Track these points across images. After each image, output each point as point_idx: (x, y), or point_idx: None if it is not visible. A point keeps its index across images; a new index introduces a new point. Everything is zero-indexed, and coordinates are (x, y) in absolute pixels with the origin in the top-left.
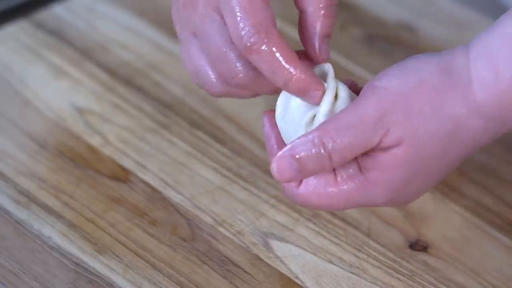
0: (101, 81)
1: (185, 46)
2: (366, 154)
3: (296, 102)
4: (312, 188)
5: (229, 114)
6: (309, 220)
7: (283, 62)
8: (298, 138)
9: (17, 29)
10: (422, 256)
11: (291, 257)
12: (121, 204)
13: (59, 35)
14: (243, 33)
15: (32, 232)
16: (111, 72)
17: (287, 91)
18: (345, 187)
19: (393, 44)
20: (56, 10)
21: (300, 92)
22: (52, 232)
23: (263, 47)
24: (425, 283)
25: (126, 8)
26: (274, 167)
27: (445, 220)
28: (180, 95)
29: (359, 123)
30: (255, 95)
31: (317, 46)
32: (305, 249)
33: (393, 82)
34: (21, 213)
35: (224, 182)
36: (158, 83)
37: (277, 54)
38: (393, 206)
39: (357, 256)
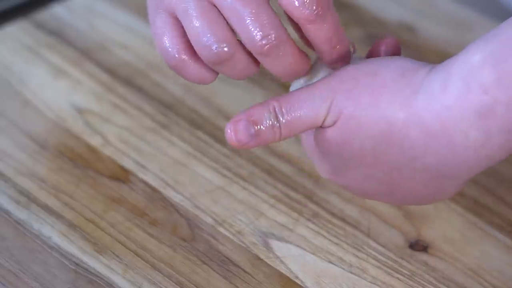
0: (101, 81)
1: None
2: (315, 129)
3: None
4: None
5: (229, 114)
6: (309, 220)
7: (295, 66)
8: (254, 105)
9: (17, 29)
10: (422, 256)
11: (291, 257)
12: (121, 204)
13: (59, 35)
14: (257, 36)
15: (32, 232)
16: (111, 72)
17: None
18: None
19: None
20: (56, 10)
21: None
22: (52, 232)
23: (279, 52)
24: (425, 283)
25: (126, 8)
26: (229, 130)
27: (445, 220)
28: (180, 95)
29: (307, 98)
30: (212, 77)
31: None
32: (305, 249)
33: (352, 67)
34: (21, 213)
35: (224, 182)
36: (158, 83)
37: (290, 58)
38: (353, 191)
39: (357, 256)
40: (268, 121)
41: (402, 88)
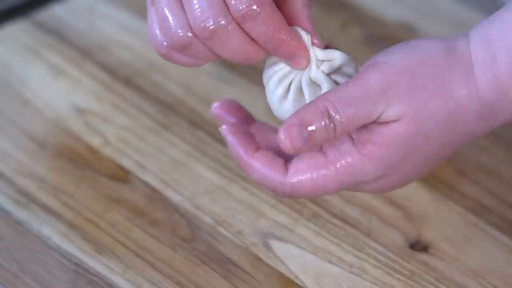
0: (101, 81)
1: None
2: (363, 127)
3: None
4: (302, 172)
5: None
6: (309, 220)
7: (275, 31)
8: (303, 107)
9: (17, 29)
10: (423, 256)
11: (291, 257)
12: (121, 204)
13: (59, 35)
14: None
15: (31, 232)
16: (111, 72)
17: (275, 55)
18: (338, 165)
19: (393, 44)
20: (56, 10)
21: (288, 57)
22: (51, 232)
23: (258, 17)
24: (426, 284)
25: (126, 8)
26: (283, 136)
27: (445, 220)
28: (180, 95)
29: (361, 95)
30: (197, 63)
31: (300, 9)
32: (305, 249)
33: (396, 57)
34: (20, 213)
35: (224, 182)
36: (158, 83)
37: (271, 23)
38: (381, 190)
39: (357, 256)
40: (322, 123)
41: (456, 64)
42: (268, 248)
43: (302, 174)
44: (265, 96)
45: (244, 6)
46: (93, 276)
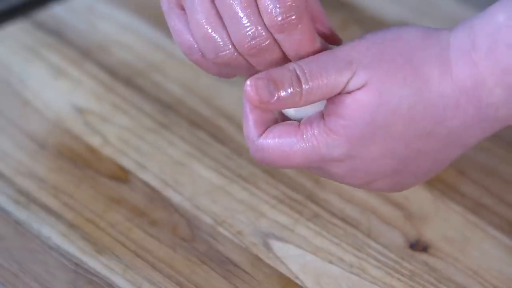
0: (101, 81)
1: (172, 19)
2: (331, 100)
3: None
4: (272, 137)
5: (229, 114)
6: (309, 220)
7: (309, 44)
8: (274, 68)
9: (17, 29)
10: (423, 256)
11: (291, 257)
12: (121, 204)
13: (59, 35)
14: (278, 10)
15: (31, 232)
16: (111, 72)
17: None
18: (305, 136)
19: None
20: (56, 10)
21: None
22: (51, 232)
23: (296, 29)
24: (426, 283)
25: (126, 8)
26: (249, 84)
27: (445, 220)
28: (180, 95)
29: (330, 64)
30: (232, 75)
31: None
32: (305, 249)
33: (371, 35)
34: (20, 213)
35: (224, 182)
36: (158, 83)
37: (307, 36)
38: (351, 178)
39: (357, 256)
40: (289, 83)
41: (431, 46)
42: (268, 248)
43: (271, 138)
44: None
45: (283, 17)
46: (93, 276)
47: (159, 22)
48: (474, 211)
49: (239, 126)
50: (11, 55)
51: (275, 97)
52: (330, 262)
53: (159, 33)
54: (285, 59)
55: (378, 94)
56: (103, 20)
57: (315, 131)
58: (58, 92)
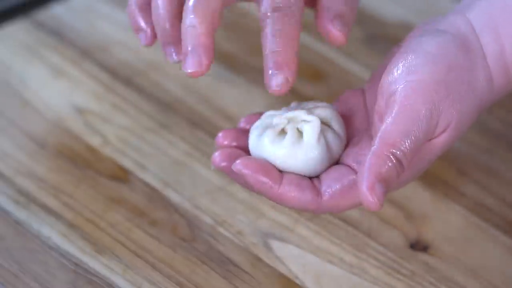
0: (100, 81)
1: None
2: None
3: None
4: (336, 193)
5: (229, 114)
6: (309, 220)
7: (289, 37)
8: (370, 159)
9: (17, 28)
10: (423, 256)
11: (291, 257)
12: (120, 204)
13: (59, 35)
14: None
15: (31, 232)
16: (111, 72)
17: (266, 60)
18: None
19: (393, 44)
20: (56, 10)
21: (275, 67)
22: (51, 232)
23: (287, 14)
24: (426, 284)
25: (126, 7)
26: (371, 198)
27: (445, 220)
28: (180, 95)
29: (415, 126)
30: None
31: (330, 22)
32: (305, 249)
33: (426, 73)
34: (20, 213)
35: (224, 182)
36: (158, 83)
37: (291, 29)
38: (400, 185)
39: (357, 257)
40: (394, 169)
41: (474, 59)
42: (268, 248)
43: (336, 194)
44: (264, 96)
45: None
46: (93, 276)
47: None
48: (475, 211)
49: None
50: (11, 55)
51: (388, 189)
52: (330, 262)
53: None
54: None
55: (455, 131)
56: (103, 20)
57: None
58: (58, 92)
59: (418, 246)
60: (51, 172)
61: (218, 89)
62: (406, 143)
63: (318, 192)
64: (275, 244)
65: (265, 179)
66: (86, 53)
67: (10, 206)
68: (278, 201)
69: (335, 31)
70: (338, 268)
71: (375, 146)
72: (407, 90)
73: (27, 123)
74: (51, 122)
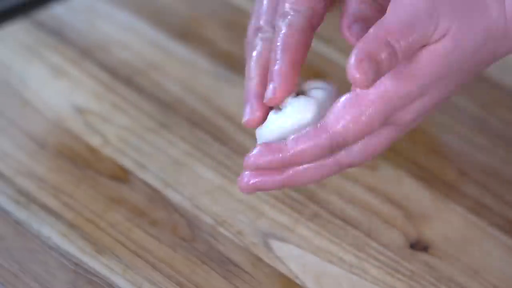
0: (101, 81)
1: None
2: None
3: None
4: (343, 117)
5: (229, 114)
6: (309, 220)
7: (287, 46)
8: (363, 40)
9: (17, 28)
10: (423, 256)
11: (291, 257)
12: (121, 204)
13: (59, 35)
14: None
15: (31, 232)
16: (111, 71)
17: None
18: (373, 97)
19: None
20: (56, 10)
21: (271, 78)
22: (51, 232)
23: (288, 16)
24: (426, 283)
25: (126, 7)
26: (357, 72)
27: (445, 220)
28: (180, 95)
29: (414, 21)
30: None
31: (346, 25)
32: (305, 249)
33: None
34: (20, 213)
35: (224, 182)
36: (158, 83)
37: (292, 36)
38: (418, 117)
39: (357, 256)
40: (386, 54)
41: None
42: (268, 248)
43: (343, 119)
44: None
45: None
46: (93, 276)
47: (159, 22)
48: (475, 211)
49: (239, 126)
50: (11, 55)
51: (379, 74)
52: (331, 262)
53: (159, 33)
54: None
55: (453, 41)
56: (103, 20)
57: (383, 87)
58: (58, 92)
59: (418, 246)
60: (51, 172)
61: (218, 89)
62: (403, 32)
63: (321, 126)
64: (275, 244)
65: (270, 155)
66: (86, 53)
67: (10, 206)
68: (299, 161)
69: (352, 34)
70: (338, 268)
71: (370, 31)
72: None
73: (27, 123)
74: (51, 122)
